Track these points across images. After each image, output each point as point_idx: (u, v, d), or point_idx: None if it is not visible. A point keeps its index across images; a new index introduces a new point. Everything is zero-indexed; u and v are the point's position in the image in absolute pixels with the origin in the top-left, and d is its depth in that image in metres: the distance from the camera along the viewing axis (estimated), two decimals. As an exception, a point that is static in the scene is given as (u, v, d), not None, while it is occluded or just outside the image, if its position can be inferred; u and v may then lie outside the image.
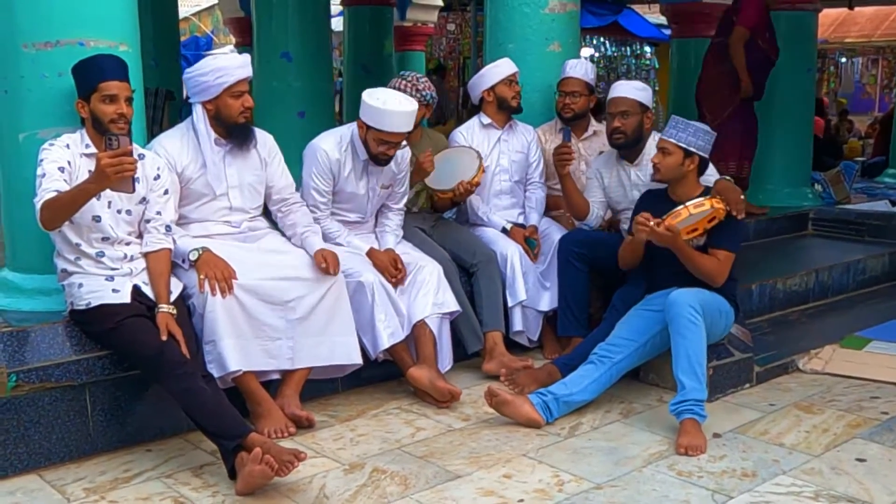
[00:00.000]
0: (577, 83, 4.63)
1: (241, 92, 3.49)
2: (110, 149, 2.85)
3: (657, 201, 3.82)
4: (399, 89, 4.12)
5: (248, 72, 3.51)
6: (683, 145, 3.69)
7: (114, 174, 2.83)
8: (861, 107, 19.51)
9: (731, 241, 3.69)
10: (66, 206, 2.99)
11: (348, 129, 3.97)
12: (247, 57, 3.56)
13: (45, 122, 3.29)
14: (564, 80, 4.66)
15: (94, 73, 3.10)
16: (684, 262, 3.63)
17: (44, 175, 3.03)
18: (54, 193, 2.98)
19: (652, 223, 3.56)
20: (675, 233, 3.53)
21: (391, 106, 3.73)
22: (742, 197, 3.70)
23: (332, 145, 3.91)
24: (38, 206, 2.99)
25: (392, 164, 3.98)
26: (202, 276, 3.30)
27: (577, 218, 4.44)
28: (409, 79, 4.25)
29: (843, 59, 20.77)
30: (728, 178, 3.87)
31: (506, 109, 4.56)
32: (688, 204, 3.56)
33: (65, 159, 3.09)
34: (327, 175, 3.89)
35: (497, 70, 4.56)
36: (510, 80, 4.53)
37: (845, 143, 13.43)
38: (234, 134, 3.54)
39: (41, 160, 3.07)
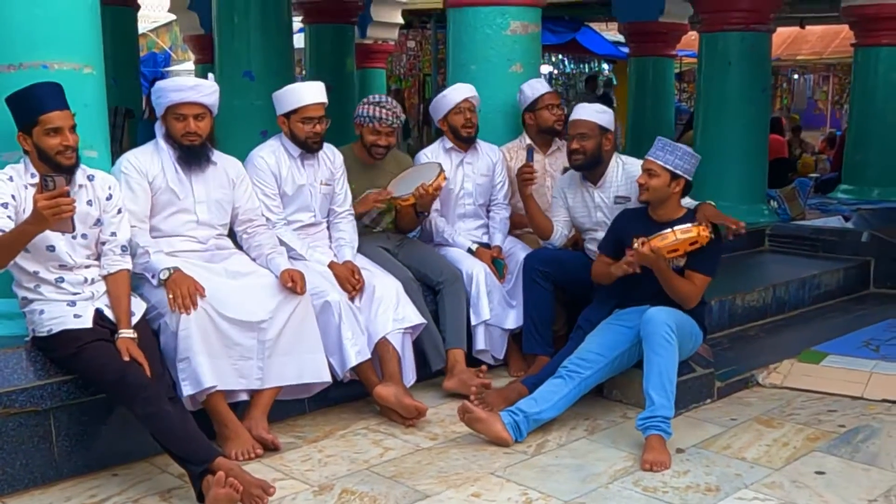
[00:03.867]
0: (556, 96, 4.79)
1: (183, 115, 3.52)
2: (46, 190, 2.77)
3: (636, 220, 3.85)
4: (379, 118, 4.24)
5: (183, 97, 3.51)
6: (670, 168, 3.71)
7: (51, 216, 2.77)
8: (814, 122, 19.92)
9: (709, 266, 3.74)
10: (6, 248, 2.95)
11: (276, 137, 4.13)
12: (194, 82, 3.59)
13: (8, 145, 3.22)
14: (545, 95, 4.74)
15: (32, 106, 3.03)
16: (662, 283, 3.67)
17: None
18: None
19: (637, 244, 3.59)
20: (659, 255, 3.58)
21: (298, 84, 4.07)
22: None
23: (266, 151, 4.06)
24: None
25: (326, 160, 4.13)
26: (170, 295, 3.30)
27: (542, 237, 4.48)
28: (388, 106, 4.30)
29: (796, 76, 21.20)
30: (711, 202, 3.90)
31: (461, 139, 4.60)
32: (675, 229, 3.58)
33: (8, 193, 3.03)
34: (269, 179, 3.99)
35: (445, 100, 4.60)
36: (460, 109, 4.56)
37: (798, 159, 13.69)
38: (182, 154, 3.58)
39: None
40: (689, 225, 3.61)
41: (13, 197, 3.04)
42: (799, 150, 14.09)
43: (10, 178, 3.08)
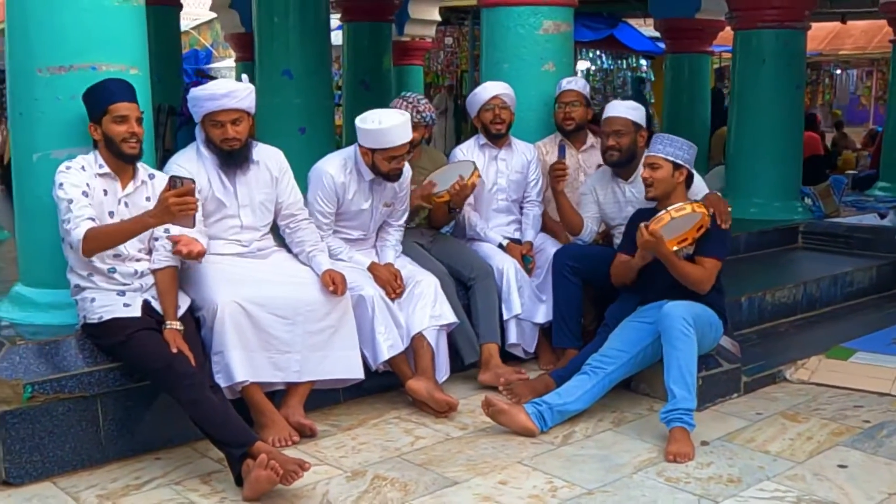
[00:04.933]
0: (575, 94, 4.82)
1: (220, 122, 3.59)
2: (174, 188, 3.06)
3: (649, 218, 3.94)
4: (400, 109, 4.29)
5: (217, 105, 3.56)
6: (671, 158, 3.83)
7: (178, 212, 3.03)
8: (856, 118, 19.68)
9: (717, 249, 3.81)
10: (119, 237, 3.20)
11: (351, 151, 4.09)
12: (227, 90, 3.57)
13: (58, 143, 3.43)
14: (563, 92, 4.84)
15: (104, 96, 3.25)
16: (670, 269, 3.75)
17: (71, 201, 3.16)
18: (90, 222, 3.13)
19: (641, 225, 3.69)
20: (659, 238, 3.65)
21: (387, 123, 3.87)
22: (729, 209, 3.85)
23: (336, 168, 4.03)
24: (80, 234, 3.11)
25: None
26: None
27: (572, 233, 4.57)
28: (411, 100, 4.41)
29: (838, 71, 20.95)
30: (717, 192, 4.00)
31: (491, 135, 4.69)
32: (669, 209, 3.68)
33: (84, 182, 3.22)
34: (332, 198, 4.01)
35: (475, 98, 4.70)
36: (489, 106, 4.63)
37: (839, 155, 13.56)
38: (222, 160, 3.66)
39: (60, 184, 3.19)
40: (681, 203, 3.70)
41: (87, 185, 3.24)
42: (841, 147, 13.96)
43: (83, 168, 3.27)
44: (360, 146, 3.98)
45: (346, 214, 4.10)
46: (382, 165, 3.94)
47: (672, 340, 3.58)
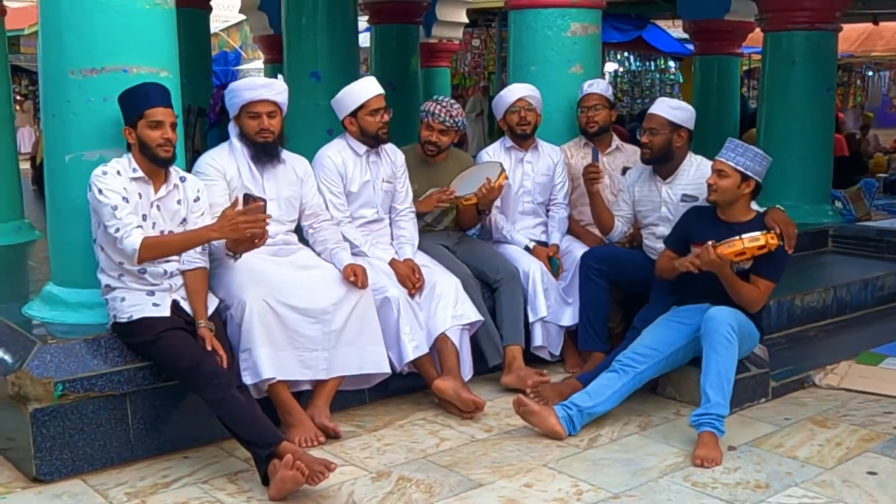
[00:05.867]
0: (597, 97, 4.80)
1: (257, 113, 3.70)
2: (244, 206, 3.16)
3: (703, 220, 3.87)
4: (433, 113, 4.36)
5: (257, 95, 3.70)
6: (741, 169, 3.71)
7: (245, 229, 3.16)
8: (888, 121, 19.42)
9: (775, 272, 3.74)
10: (177, 247, 3.31)
11: (341, 137, 4.27)
12: (265, 81, 3.79)
13: (90, 144, 3.47)
14: (585, 96, 4.83)
15: (140, 101, 3.29)
16: (727, 288, 3.68)
17: (116, 207, 3.20)
18: (141, 230, 3.20)
19: (710, 243, 3.59)
20: (725, 263, 3.60)
21: (353, 83, 4.21)
22: (796, 232, 3.75)
23: (332, 151, 4.21)
24: (135, 243, 3.17)
25: (387, 159, 4.28)
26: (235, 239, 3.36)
27: (603, 232, 4.56)
28: (444, 104, 4.43)
29: (871, 73, 20.71)
30: (780, 207, 3.88)
31: (517, 136, 4.70)
32: (744, 237, 3.57)
33: (121, 187, 3.26)
34: (335, 177, 4.14)
35: (502, 100, 4.73)
36: (515, 108, 4.65)
37: (870, 157, 13.38)
38: (255, 152, 3.76)
39: (99, 189, 3.22)
40: (757, 234, 3.59)
41: (125, 189, 3.27)
42: (869, 149, 13.77)
43: (118, 172, 3.30)
44: (343, 122, 4.17)
45: (353, 194, 4.19)
46: (369, 125, 4.12)
47: (714, 344, 3.55)
